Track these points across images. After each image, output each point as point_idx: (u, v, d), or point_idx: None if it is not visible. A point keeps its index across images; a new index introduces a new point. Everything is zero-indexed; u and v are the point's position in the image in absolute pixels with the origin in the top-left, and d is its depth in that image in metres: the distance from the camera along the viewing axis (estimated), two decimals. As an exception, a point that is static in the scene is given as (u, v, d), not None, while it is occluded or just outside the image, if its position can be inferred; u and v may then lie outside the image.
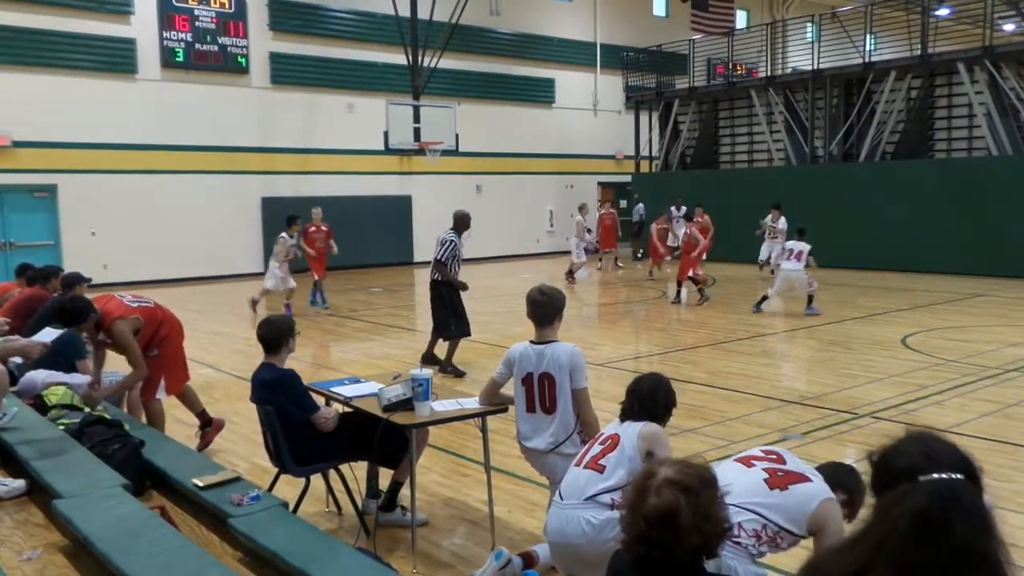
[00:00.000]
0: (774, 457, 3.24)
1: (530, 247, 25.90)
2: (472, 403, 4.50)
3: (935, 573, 1.48)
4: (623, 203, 26.16)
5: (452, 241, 8.94)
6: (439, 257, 8.93)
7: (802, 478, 3.12)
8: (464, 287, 9.07)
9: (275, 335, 4.52)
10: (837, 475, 3.19)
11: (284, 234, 13.56)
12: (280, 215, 20.61)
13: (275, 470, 4.59)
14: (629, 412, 3.66)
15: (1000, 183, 16.93)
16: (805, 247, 12.76)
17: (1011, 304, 13.45)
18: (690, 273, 14.14)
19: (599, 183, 27.67)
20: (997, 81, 17.82)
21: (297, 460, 4.40)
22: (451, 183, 23.57)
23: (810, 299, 12.71)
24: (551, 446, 4.16)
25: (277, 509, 3.63)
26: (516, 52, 25.28)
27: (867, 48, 20.65)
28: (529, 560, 4.07)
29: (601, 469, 3.50)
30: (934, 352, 9.58)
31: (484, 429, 4.52)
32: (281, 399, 4.37)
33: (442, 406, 4.41)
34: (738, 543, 2.88)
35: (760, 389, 8.00)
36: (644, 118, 25.40)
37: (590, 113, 27.45)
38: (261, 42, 20.60)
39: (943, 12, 22.47)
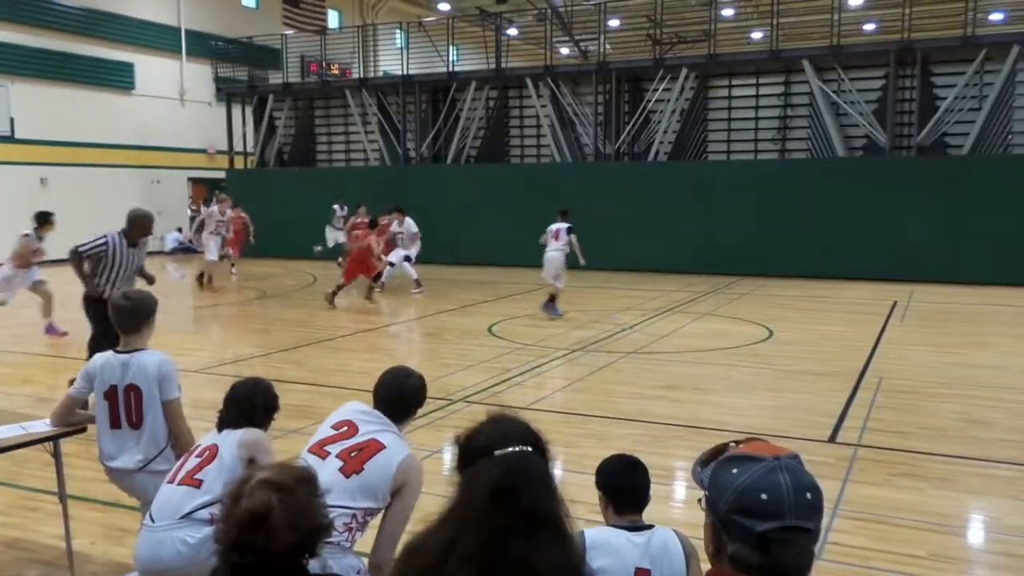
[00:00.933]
0: (345, 430, 3.19)
1: (111, 247, 23.44)
2: (40, 426, 3.93)
3: (510, 534, 1.65)
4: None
5: (103, 238, 7.13)
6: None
7: (376, 447, 3.10)
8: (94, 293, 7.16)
9: None
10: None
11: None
12: None
13: None
14: (227, 420, 3.48)
15: (563, 186, 19.28)
16: (563, 225, 12.26)
17: (574, 293, 15.41)
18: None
19: (189, 179, 26.02)
20: (557, 96, 20.32)
21: None
22: (8, 175, 20.39)
23: (552, 298, 12.23)
24: (140, 464, 3.79)
25: None
26: (85, 29, 22.65)
27: (451, 58, 22.20)
28: (118, 595, 3.67)
29: (198, 484, 3.27)
30: (515, 338, 10.62)
31: (57, 454, 3.98)
32: None
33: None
34: (329, 541, 2.88)
35: (362, 383, 8.11)
36: (237, 112, 24.42)
37: (177, 103, 25.64)
38: None
39: (512, 32, 25.04)
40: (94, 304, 6.99)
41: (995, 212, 15.84)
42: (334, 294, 13.56)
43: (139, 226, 7.27)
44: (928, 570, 4.21)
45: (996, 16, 23.71)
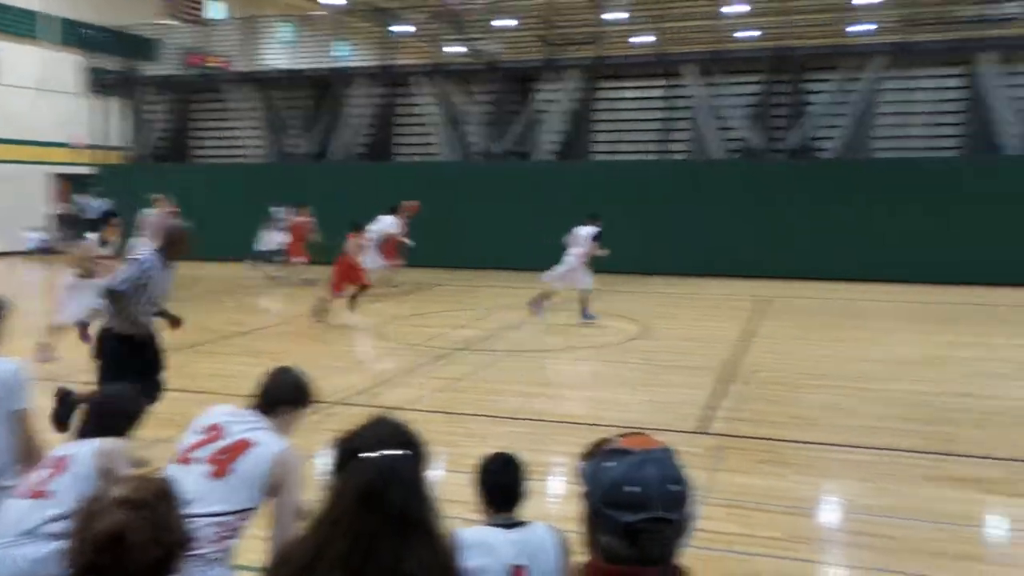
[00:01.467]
0: (213, 434, 3.05)
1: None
2: None
3: (380, 538, 1.64)
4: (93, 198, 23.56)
5: (143, 261, 5.85)
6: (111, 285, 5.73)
7: (245, 445, 2.97)
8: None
9: None
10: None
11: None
12: None
13: None
14: (86, 429, 3.30)
15: (451, 185, 19.24)
16: (583, 231, 11.48)
17: (460, 292, 15.46)
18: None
19: (54, 174, 24.55)
20: (446, 94, 20.23)
21: None
22: None
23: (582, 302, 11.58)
24: (-18, 480, 3.53)
25: None
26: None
27: (338, 53, 21.79)
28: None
29: (47, 496, 3.07)
30: (401, 338, 10.52)
31: None
32: None
33: None
34: (196, 554, 2.76)
35: (238, 388, 7.77)
36: (108, 104, 23.17)
37: (38, 93, 24.07)
38: None
39: (402, 28, 24.81)
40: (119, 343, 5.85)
41: (862, 212, 16.77)
42: (324, 312, 11.64)
43: (182, 244, 5.95)
44: (784, 551, 4.41)
45: (865, 27, 25.02)
